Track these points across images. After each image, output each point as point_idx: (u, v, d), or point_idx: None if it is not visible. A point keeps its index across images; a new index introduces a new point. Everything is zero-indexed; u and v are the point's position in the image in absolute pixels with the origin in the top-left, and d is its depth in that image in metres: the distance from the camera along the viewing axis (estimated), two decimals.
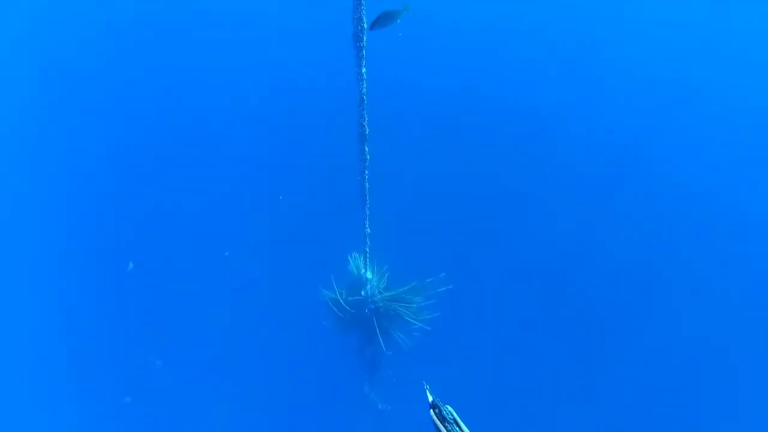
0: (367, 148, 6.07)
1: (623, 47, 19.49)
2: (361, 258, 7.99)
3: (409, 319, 8.35)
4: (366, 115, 5.79)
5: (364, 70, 5.40)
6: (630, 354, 11.78)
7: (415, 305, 8.42)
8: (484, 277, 12.20)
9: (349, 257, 8.91)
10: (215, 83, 17.86)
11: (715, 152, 16.25)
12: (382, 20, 4.85)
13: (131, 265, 13.42)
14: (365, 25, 5.06)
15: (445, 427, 2.11)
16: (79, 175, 16.11)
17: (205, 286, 12.95)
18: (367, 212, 6.82)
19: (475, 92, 16.87)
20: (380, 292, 8.29)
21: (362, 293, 8.21)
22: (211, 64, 18.51)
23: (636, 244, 13.71)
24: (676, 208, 14.68)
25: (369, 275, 7.97)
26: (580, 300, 12.40)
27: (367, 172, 6.33)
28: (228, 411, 11.12)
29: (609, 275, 12.99)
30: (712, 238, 13.99)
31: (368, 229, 7.12)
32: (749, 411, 11.34)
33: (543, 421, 11.17)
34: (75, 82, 18.71)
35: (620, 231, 14.04)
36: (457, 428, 2.09)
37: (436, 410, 2.19)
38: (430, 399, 2.27)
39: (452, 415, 2.15)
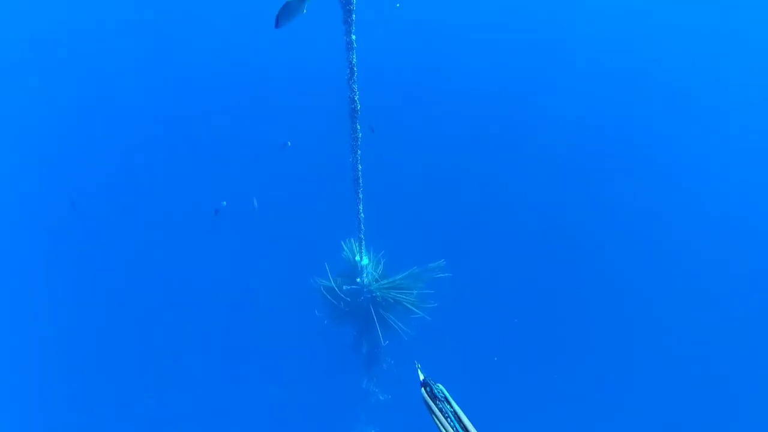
0: (358, 126, 5.56)
1: (617, 43, 19.04)
2: (356, 244, 7.55)
3: (408, 306, 7.98)
4: (357, 90, 5.27)
5: (353, 36, 4.86)
6: (627, 348, 11.62)
7: (415, 292, 8.04)
8: (483, 263, 11.90)
9: (342, 243, 8.49)
10: (204, 66, 17.23)
11: (707, 149, 16.04)
12: (286, 12, 3.78)
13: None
14: None
15: (436, 405, 2.10)
16: (72, 173, 15.55)
17: (194, 276, 12.49)
18: (361, 196, 6.33)
19: (474, 74, 16.40)
20: (376, 280, 7.89)
21: (358, 281, 7.81)
22: (201, 46, 17.79)
23: (631, 235, 13.56)
24: (671, 201, 14.51)
25: (365, 261, 7.54)
26: (579, 286, 12.20)
27: (359, 152, 5.82)
28: (221, 408, 10.79)
29: (608, 265, 12.79)
30: (705, 235, 13.84)
31: (362, 214, 6.65)
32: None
33: (538, 407, 11.04)
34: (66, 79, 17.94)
35: (614, 220, 13.85)
36: (448, 406, 2.08)
37: (428, 388, 2.18)
38: (422, 377, 2.27)
39: (443, 393, 2.14)
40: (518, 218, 13.46)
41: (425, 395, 2.17)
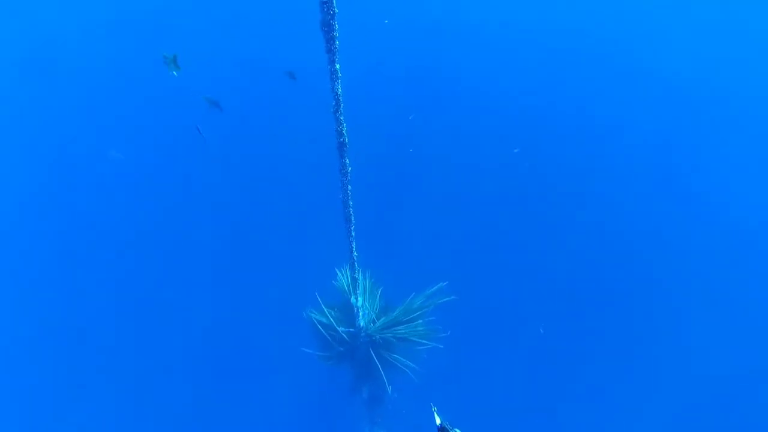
0: (347, 161, 5.08)
1: (615, 41, 18.84)
2: (351, 284, 6.98)
3: (413, 339, 7.32)
4: (344, 122, 4.80)
5: (338, 66, 4.41)
6: (652, 376, 10.96)
7: (418, 324, 7.41)
8: (487, 285, 11.27)
9: (337, 271, 7.82)
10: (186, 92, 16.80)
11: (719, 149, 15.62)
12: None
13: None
14: (336, 10, 4.08)
15: None
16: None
17: (172, 305, 11.71)
18: (353, 234, 5.81)
19: (467, 90, 16.05)
20: (373, 321, 7.28)
21: (355, 324, 7.19)
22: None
23: (650, 249, 13.00)
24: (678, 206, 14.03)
25: (360, 302, 6.95)
26: (594, 292, 11.59)
27: (350, 187, 5.33)
28: None
29: (627, 272, 12.26)
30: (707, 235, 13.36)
31: (356, 253, 6.12)
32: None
33: None
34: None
35: (631, 227, 13.33)
36: None
37: None
38: (438, 422, 2.21)
39: None
40: (516, 229, 12.97)
41: None
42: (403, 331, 7.02)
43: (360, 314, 7.06)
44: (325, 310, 7.47)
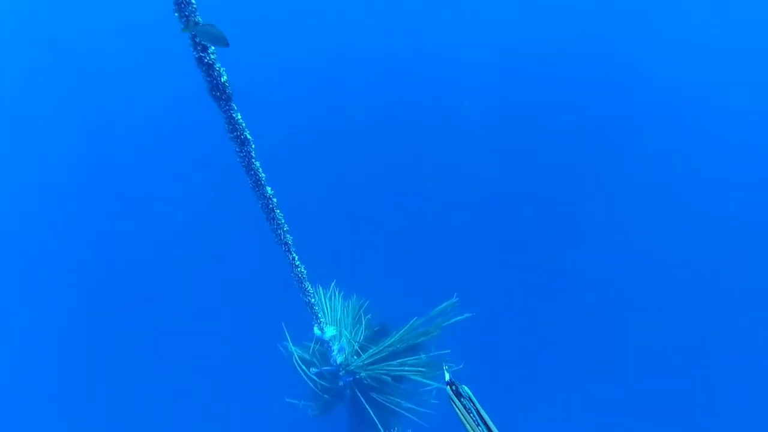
0: (239, 117, 2.94)
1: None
2: (309, 309, 4.87)
3: (414, 377, 5.20)
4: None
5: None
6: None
7: (419, 357, 5.28)
8: (509, 288, 9.24)
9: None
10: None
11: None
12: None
13: None
14: None
15: (460, 401, 2.21)
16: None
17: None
18: (289, 239, 3.69)
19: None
20: (357, 353, 5.17)
21: (332, 362, 5.08)
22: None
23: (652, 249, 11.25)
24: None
25: (329, 334, 4.82)
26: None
27: (258, 164, 3.20)
28: None
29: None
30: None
31: (302, 268, 3.99)
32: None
33: None
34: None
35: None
36: (471, 404, 2.18)
37: (453, 387, 2.28)
38: (448, 377, 2.36)
39: (467, 393, 2.23)
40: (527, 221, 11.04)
41: (450, 393, 2.26)
42: (397, 368, 4.88)
43: (335, 348, 4.94)
44: (294, 349, 5.42)
